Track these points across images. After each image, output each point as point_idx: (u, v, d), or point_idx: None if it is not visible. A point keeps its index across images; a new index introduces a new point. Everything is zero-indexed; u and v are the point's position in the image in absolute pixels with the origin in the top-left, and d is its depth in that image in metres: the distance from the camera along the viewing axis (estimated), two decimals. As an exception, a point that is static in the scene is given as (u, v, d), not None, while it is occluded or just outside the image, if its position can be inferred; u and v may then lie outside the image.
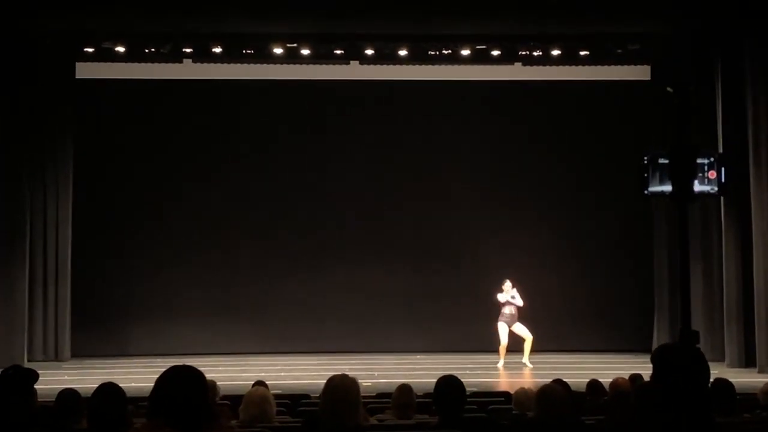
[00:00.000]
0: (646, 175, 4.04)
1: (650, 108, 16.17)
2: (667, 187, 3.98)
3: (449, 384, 5.50)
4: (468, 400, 7.35)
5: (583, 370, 13.45)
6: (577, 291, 17.38)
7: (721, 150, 14.88)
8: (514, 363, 15.18)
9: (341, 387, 4.29)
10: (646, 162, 4.05)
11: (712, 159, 4.11)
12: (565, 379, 7.83)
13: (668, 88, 4.02)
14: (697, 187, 4.04)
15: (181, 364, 3.48)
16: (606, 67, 16.98)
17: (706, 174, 4.09)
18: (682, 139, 3.90)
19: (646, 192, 4.08)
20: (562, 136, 17.53)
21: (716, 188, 4.14)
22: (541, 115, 17.55)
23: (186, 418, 3.29)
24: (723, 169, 4.12)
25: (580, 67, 16.85)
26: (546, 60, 16.43)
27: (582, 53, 16.30)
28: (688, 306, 3.73)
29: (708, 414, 3.06)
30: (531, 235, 17.46)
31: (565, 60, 16.49)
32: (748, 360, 14.86)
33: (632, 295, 17.33)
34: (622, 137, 16.65)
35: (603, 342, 16.98)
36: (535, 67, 16.80)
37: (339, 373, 4.53)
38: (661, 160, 4.00)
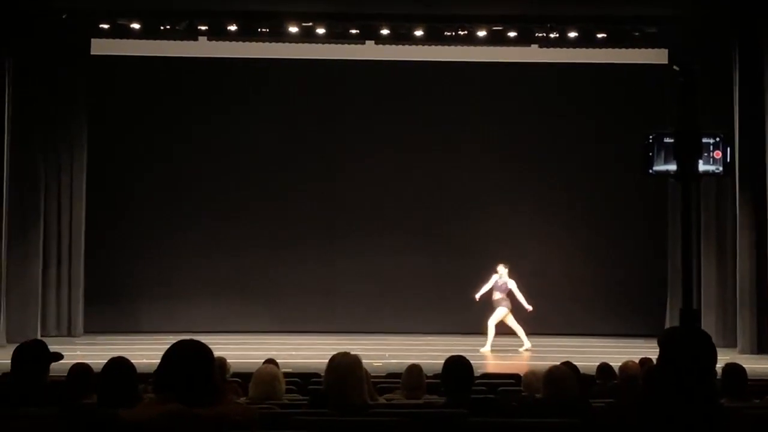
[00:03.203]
0: (651, 154, 3.99)
1: (666, 92, 16.06)
2: (672, 167, 3.93)
3: (457, 364, 5.51)
4: (477, 381, 7.36)
5: (594, 353, 13.44)
6: (590, 275, 17.35)
7: (737, 132, 14.81)
8: (522, 345, 15.19)
9: (343, 365, 4.30)
10: (651, 141, 4.00)
11: (717, 139, 4.06)
12: (576, 363, 7.83)
13: (674, 67, 3.98)
14: (702, 166, 3.98)
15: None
16: (623, 50, 16.87)
17: (711, 153, 4.03)
18: (687, 119, 3.85)
19: (650, 171, 4.03)
20: (577, 118, 17.46)
21: (721, 168, 4.09)
22: (556, 98, 17.47)
23: (193, 392, 3.30)
24: (729, 148, 4.06)
25: (596, 49, 16.74)
26: (563, 42, 16.31)
27: (599, 36, 16.19)
28: (689, 286, 3.71)
29: (714, 397, 3.05)
30: (544, 217, 17.44)
31: (582, 42, 16.37)
32: (761, 346, 14.80)
33: (646, 278, 17.29)
34: (637, 120, 16.53)
35: (615, 326, 16.95)
36: (551, 50, 16.70)
37: (341, 351, 4.54)
38: (667, 140, 3.94)
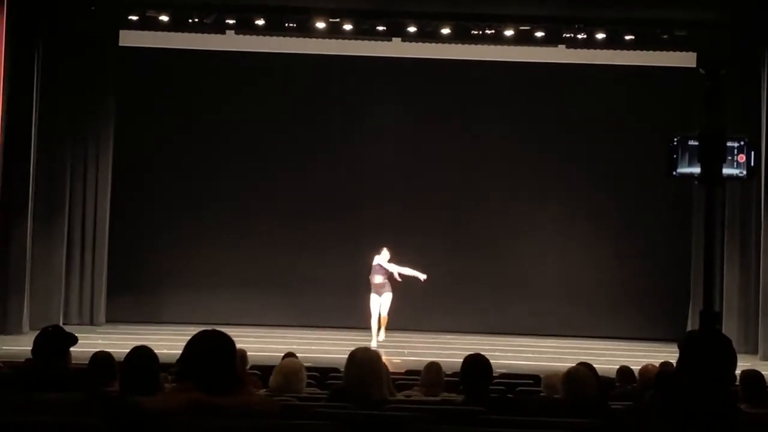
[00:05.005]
0: (675, 156, 4.01)
1: (694, 95, 15.96)
2: (696, 169, 3.95)
3: (476, 362, 5.51)
4: (497, 381, 7.36)
5: (615, 356, 13.40)
6: (613, 277, 17.28)
7: (764, 137, 14.72)
8: (543, 346, 15.16)
9: (364, 360, 4.32)
10: (675, 143, 4.03)
11: (742, 142, 4.07)
12: (596, 365, 7.79)
13: (700, 70, 3.98)
14: (726, 170, 4.00)
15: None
16: (651, 52, 16.77)
17: (735, 157, 4.05)
18: (711, 122, 3.86)
19: (674, 173, 4.06)
20: (602, 120, 17.38)
21: (745, 172, 4.10)
22: (582, 99, 17.40)
23: (214, 381, 3.33)
24: (753, 153, 4.07)
25: (624, 51, 16.66)
26: (590, 44, 16.24)
27: (627, 38, 16.11)
28: (710, 288, 3.71)
29: (732, 401, 3.04)
30: (566, 219, 17.39)
31: (610, 44, 16.30)
32: (783, 353, 14.68)
33: (669, 281, 17.20)
34: (664, 123, 16.46)
35: (637, 329, 16.87)
36: (578, 51, 16.64)
37: (362, 346, 4.56)
38: (691, 142, 3.98)
